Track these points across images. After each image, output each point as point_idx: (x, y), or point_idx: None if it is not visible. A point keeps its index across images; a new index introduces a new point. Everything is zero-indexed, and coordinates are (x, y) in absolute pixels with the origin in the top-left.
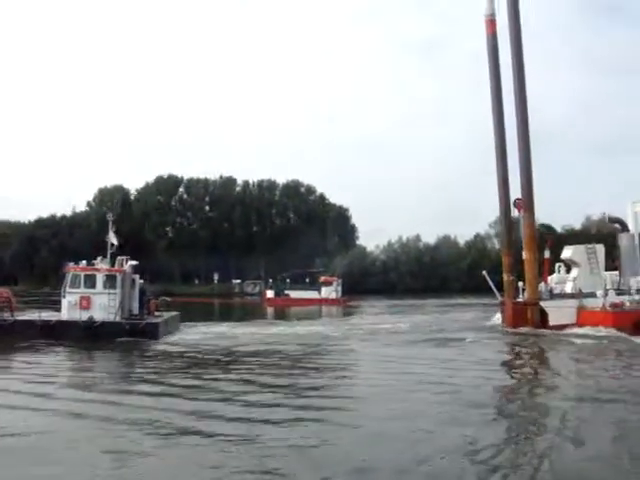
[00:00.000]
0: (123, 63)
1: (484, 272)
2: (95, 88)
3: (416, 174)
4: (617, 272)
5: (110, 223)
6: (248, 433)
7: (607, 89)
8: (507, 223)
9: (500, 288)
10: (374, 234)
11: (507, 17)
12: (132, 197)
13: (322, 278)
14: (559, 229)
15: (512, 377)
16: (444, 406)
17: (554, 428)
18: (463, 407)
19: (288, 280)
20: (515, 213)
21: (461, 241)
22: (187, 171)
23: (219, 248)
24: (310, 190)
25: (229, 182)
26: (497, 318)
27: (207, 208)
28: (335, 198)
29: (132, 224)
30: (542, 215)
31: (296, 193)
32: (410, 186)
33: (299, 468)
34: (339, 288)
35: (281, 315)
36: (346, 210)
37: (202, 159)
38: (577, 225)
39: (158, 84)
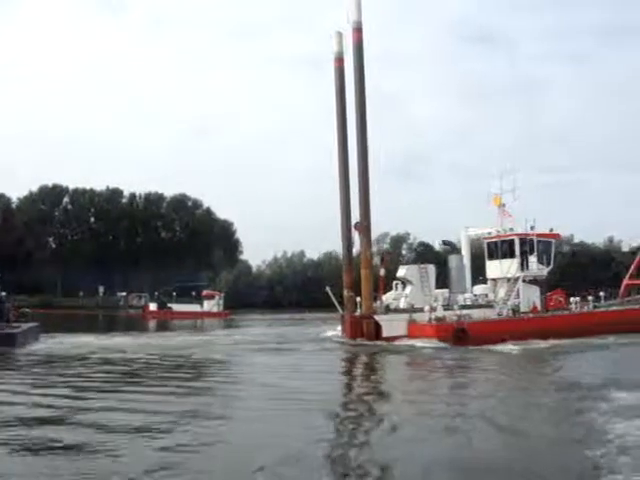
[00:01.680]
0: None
1: (327, 288)
2: None
3: (297, 188)
4: (448, 289)
5: None
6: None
7: (483, 114)
8: (347, 244)
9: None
10: (259, 249)
11: (352, 57)
12: (14, 206)
13: (204, 292)
14: (438, 248)
15: (340, 381)
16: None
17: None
18: (303, 406)
19: (175, 293)
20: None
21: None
22: (73, 181)
23: (104, 260)
24: (197, 204)
25: (115, 194)
26: (338, 330)
27: (92, 219)
28: (221, 212)
29: (13, 234)
30: (423, 234)
31: (183, 207)
32: (295, 201)
33: None
34: (221, 302)
35: (162, 327)
36: (231, 224)
37: (89, 170)
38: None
39: (45, 90)
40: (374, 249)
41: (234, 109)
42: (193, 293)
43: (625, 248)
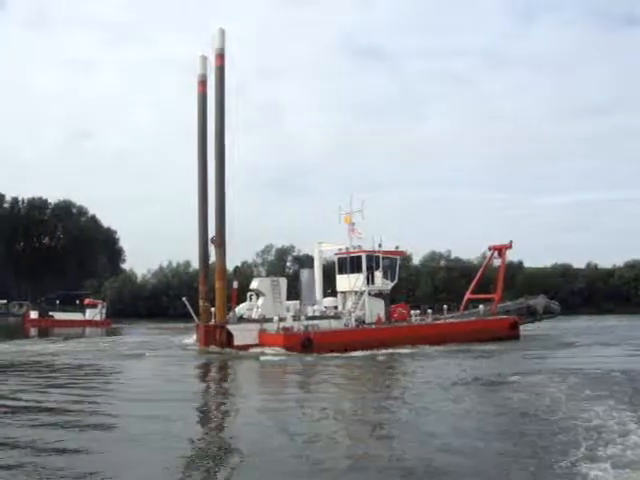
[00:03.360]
0: None
1: (184, 298)
2: None
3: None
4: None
5: None
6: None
7: (368, 128)
8: (204, 257)
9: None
10: (143, 257)
11: (214, 81)
12: None
13: (87, 301)
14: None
15: (189, 383)
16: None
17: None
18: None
19: (58, 302)
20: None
21: (230, 267)
22: None
23: None
24: (82, 211)
25: None
26: (194, 338)
27: None
28: (105, 220)
29: None
30: (308, 247)
31: (67, 213)
32: (179, 209)
33: None
34: (104, 311)
35: (41, 335)
36: (114, 232)
37: None
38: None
39: None
40: (259, 260)
41: (117, 112)
42: (77, 302)
43: (496, 264)
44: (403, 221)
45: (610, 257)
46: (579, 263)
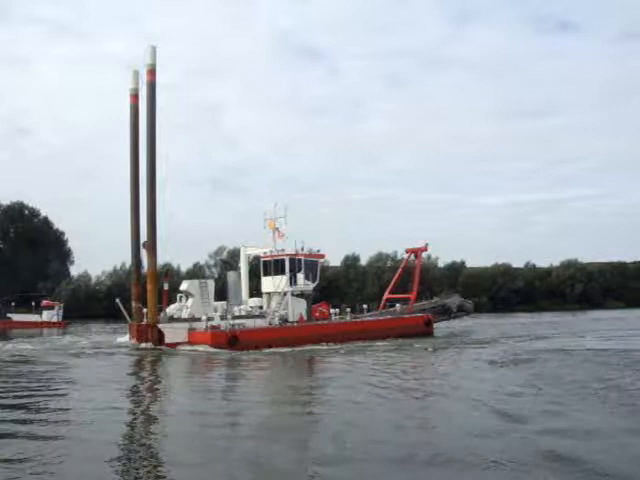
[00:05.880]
0: None
1: (117, 300)
2: None
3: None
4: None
5: None
6: None
7: (305, 128)
8: (136, 261)
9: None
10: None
11: (145, 95)
12: None
13: (44, 302)
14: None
15: (129, 376)
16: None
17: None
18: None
19: (13, 303)
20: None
21: (183, 269)
22: None
23: None
24: (34, 213)
25: None
26: (127, 336)
27: None
28: (55, 219)
29: None
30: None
31: (20, 215)
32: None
33: None
34: (60, 312)
35: (1, 336)
36: (62, 233)
37: None
38: None
39: None
40: (212, 262)
41: (58, 108)
42: (32, 303)
43: (440, 264)
44: (348, 222)
45: (547, 257)
46: (518, 263)
